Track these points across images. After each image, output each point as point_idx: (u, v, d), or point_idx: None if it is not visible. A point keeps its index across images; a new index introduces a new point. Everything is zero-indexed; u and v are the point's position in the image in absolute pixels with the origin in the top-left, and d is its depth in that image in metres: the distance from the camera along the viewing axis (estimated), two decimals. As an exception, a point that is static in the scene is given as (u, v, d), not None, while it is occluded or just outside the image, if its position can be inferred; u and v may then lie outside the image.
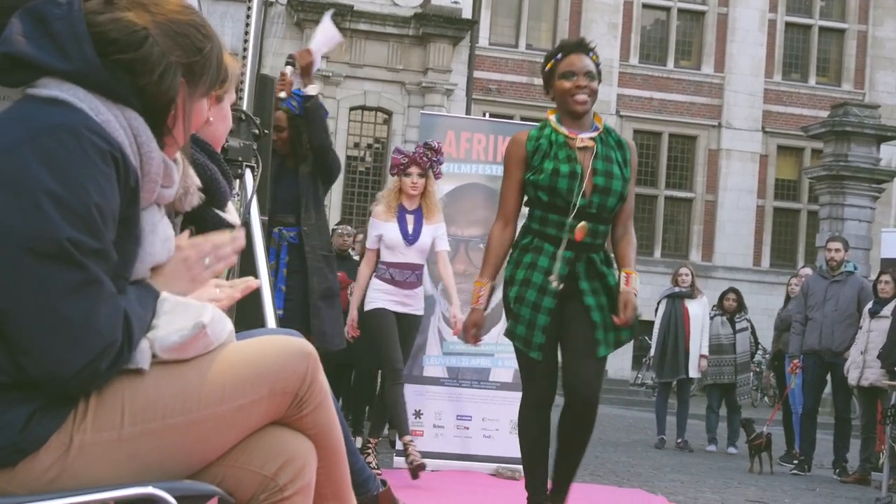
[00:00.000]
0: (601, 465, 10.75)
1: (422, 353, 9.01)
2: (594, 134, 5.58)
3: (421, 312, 8.44)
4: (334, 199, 26.81)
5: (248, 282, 2.67)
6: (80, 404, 2.22)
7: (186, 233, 2.60)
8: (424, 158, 8.31)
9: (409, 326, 8.34)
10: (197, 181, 2.69)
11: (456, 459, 8.70)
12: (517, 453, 8.55)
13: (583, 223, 5.39)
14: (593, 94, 5.67)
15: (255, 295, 4.14)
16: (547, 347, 5.39)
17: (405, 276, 8.24)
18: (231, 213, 2.98)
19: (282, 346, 2.44)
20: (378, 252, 8.35)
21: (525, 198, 5.63)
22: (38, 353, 2.14)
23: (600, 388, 5.57)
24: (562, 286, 5.37)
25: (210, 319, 2.35)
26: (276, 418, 2.41)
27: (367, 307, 8.27)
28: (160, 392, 2.28)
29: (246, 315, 4.46)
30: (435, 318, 9.10)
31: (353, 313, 8.55)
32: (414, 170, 8.31)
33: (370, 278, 8.34)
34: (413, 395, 8.80)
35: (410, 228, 8.28)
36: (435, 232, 8.39)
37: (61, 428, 2.20)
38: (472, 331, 5.57)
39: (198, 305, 2.38)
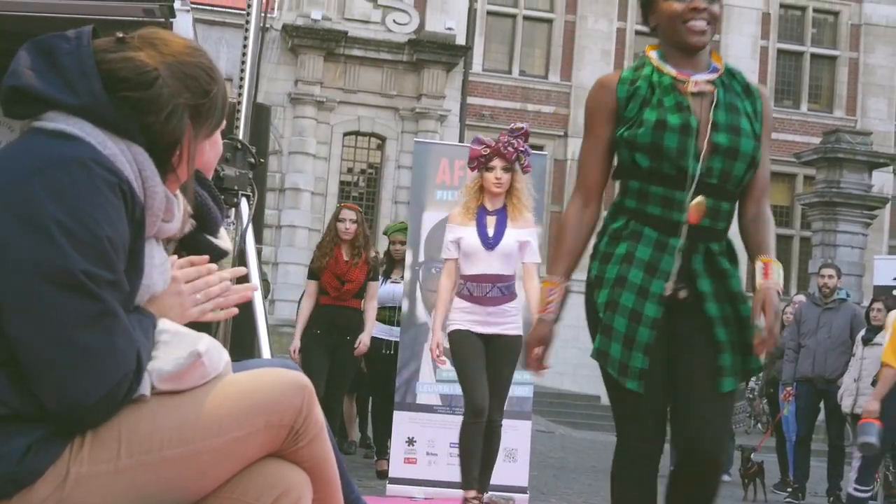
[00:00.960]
0: (595, 493, 10.73)
1: (415, 380, 8.99)
2: (713, 76, 3.92)
3: (516, 332, 7.13)
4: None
5: (245, 292, 2.67)
6: (77, 436, 2.23)
7: (182, 262, 2.60)
8: (510, 148, 7.09)
9: (501, 350, 7.11)
10: (189, 208, 2.70)
11: (449, 487, 8.68)
12: (511, 481, 8.57)
13: (699, 198, 3.82)
14: (714, 20, 3.91)
15: (251, 324, 4.14)
16: (652, 375, 3.80)
17: (485, 291, 7.08)
18: (223, 240, 2.98)
19: (278, 378, 2.44)
20: (457, 262, 7.18)
21: (615, 164, 4.01)
22: (58, 385, 2.15)
23: (727, 440, 3.84)
24: (684, 294, 3.85)
25: (206, 349, 2.35)
26: (271, 450, 2.41)
27: (448, 328, 7.20)
28: (157, 424, 2.28)
29: (241, 344, 4.46)
30: (428, 346, 9.09)
31: (436, 336, 7.33)
32: (497, 163, 7.10)
33: (453, 292, 7.23)
34: (406, 423, 8.79)
35: (491, 231, 7.10)
36: (522, 236, 7.18)
37: (58, 460, 2.20)
38: (537, 350, 4.03)
39: (194, 335, 2.39)
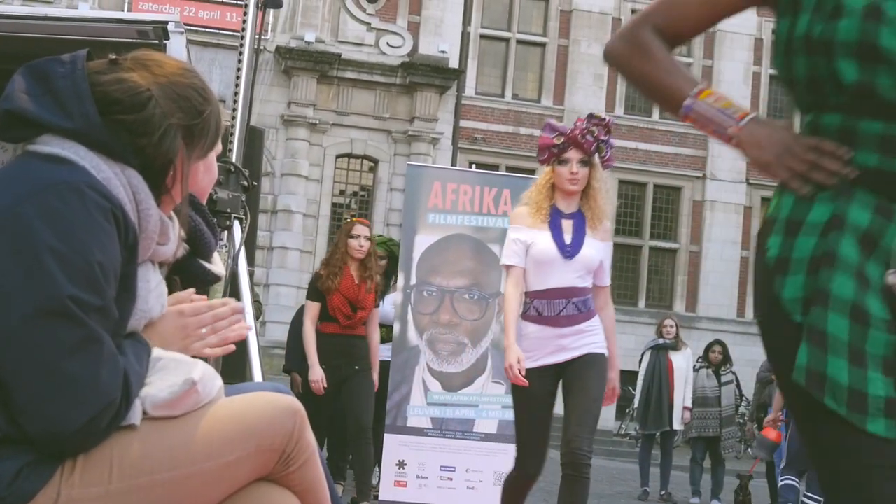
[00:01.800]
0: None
1: (406, 403, 8.99)
2: None
3: (599, 350, 5.82)
4: (319, 246, 26.81)
5: (241, 331, 2.67)
6: (69, 459, 2.22)
7: (189, 294, 2.60)
8: (588, 137, 5.86)
9: (583, 367, 5.76)
10: (182, 232, 2.70)
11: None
12: (501, 505, 8.55)
13: None
14: None
15: (242, 346, 4.14)
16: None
17: (557, 309, 5.79)
18: (217, 265, 2.99)
19: (269, 402, 2.45)
20: (524, 272, 5.90)
21: (793, 81, 2.42)
22: (39, 411, 2.15)
23: None
24: None
25: (200, 376, 2.35)
26: (263, 474, 2.41)
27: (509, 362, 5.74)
28: (149, 448, 2.28)
29: (232, 366, 4.46)
30: (419, 369, 9.08)
31: (513, 351, 5.67)
32: (573, 154, 5.84)
33: (520, 302, 5.94)
34: (397, 446, 8.79)
35: (568, 238, 5.86)
36: (602, 251, 5.96)
37: (49, 483, 2.20)
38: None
39: (189, 362, 2.39)
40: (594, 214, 5.91)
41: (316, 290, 8.42)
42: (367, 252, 8.46)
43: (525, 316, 5.88)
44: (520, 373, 5.56)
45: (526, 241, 5.86)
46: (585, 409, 5.66)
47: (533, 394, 5.71)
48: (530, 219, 5.91)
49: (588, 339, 5.79)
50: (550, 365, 5.77)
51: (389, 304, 9.52)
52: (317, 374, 8.20)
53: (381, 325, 9.28)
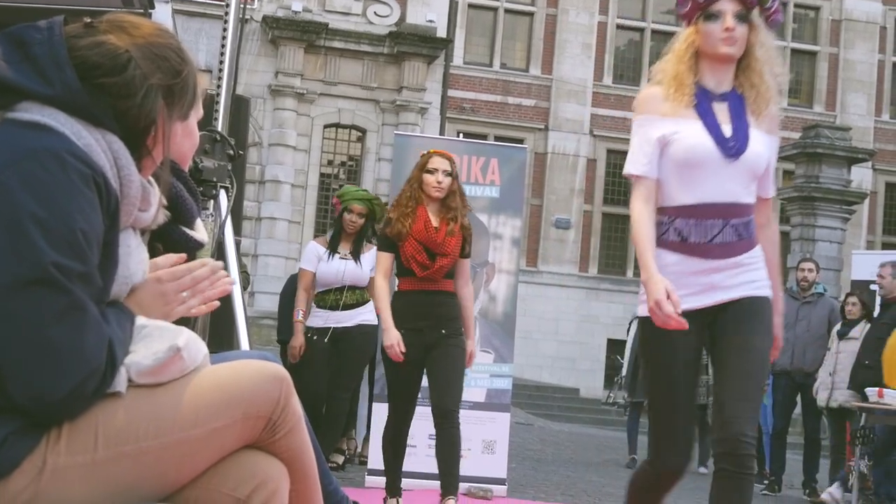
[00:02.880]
0: (573, 484, 10.77)
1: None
2: None
3: (764, 291, 4.23)
4: (307, 216, 26.81)
5: (224, 286, 2.66)
6: (54, 428, 2.23)
7: (169, 259, 2.60)
8: None
9: (740, 320, 4.18)
10: (163, 199, 2.69)
11: (428, 479, 8.68)
12: (489, 473, 8.58)
13: None
14: None
15: (230, 316, 4.15)
16: None
17: (710, 233, 4.14)
18: (199, 231, 2.98)
19: (255, 370, 2.45)
20: (658, 182, 4.19)
21: None
22: (24, 379, 2.15)
23: None
24: None
25: (185, 343, 2.36)
26: (249, 442, 2.42)
27: (640, 306, 4.19)
28: (134, 416, 2.29)
29: (220, 337, 4.46)
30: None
31: (657, 286, 3.95)
32: (727, 6, 4.21)
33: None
34: (385, 415, 8.79)
35: (728, 129, 4.19)
36: (770, 146, 4.30)
37: (35, 451, 2.20)
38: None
39: (173, 329, 2.39)
40: (759, 94, 4.25)
41: (386, 239, 6.90)
42: (449, 190, 6.93)
43: (662, 242, 4.19)
44: (675, 311, 3.90)
45: (664, 135, 4.19)
46: (746, 374, 4.11)
47: (675, 350, 4.16)
48: (668, 103, 4.22)
49: (749, 275, 4.23)
50: (696, 310, 4.12)
51: (368, 266, 8.95)
52: (392, 337, 6.64)
53: (357, 288, 9.11)
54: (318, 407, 8.93)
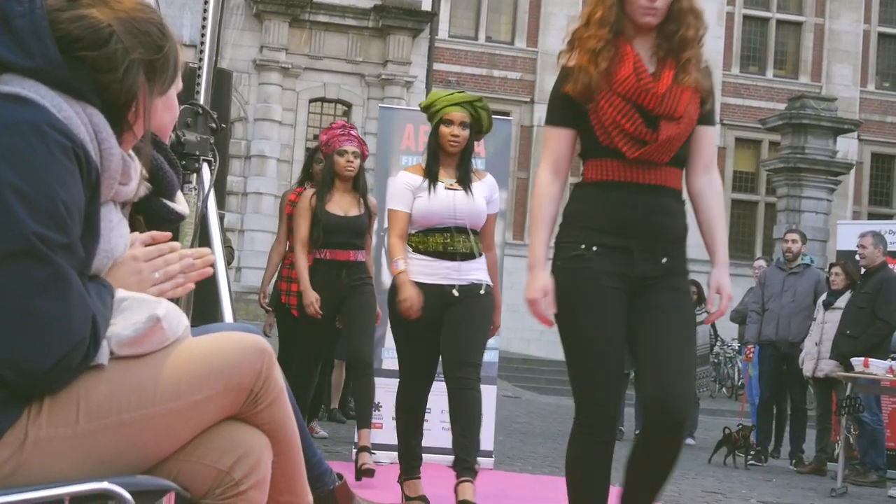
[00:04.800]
0: (560, 457, 10.76)
1: (380, 346, 8.99)
2: None
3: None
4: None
5: (204, 269, 2.65)
6: (35, 400, 2.23)
7: (144, 237, 2.59)
8: None
9: None
10: (143, 171, 2.69)
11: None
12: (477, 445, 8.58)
13: None
14: None
15: (214, 290, 4.14)
16: None
17: None
18: (181, 203, 2.97)
19: (237, 342, 2.45)
20: None
21: None
22: (9, 351, 2.14)
23: None
24: None
25: (165, 313, 2.35)
26: (231, 414, 2.42)
27: None
28: (115, 388, 2.29)
29: (203, 309, 4.46)
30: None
31: None
32: None
33: None
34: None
35: None
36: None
37: (16, 424, 2.20)
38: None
39: (152, 300, 2.39)
40: None
41: (563, 102, 4.16)
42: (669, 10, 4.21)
43: None
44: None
45: None
46: None
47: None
48: None
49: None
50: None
51: (482, 199, 6.63)
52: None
53: (472, 232, 6.53)
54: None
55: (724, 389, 25.24)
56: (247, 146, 26.93)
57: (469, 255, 6.28)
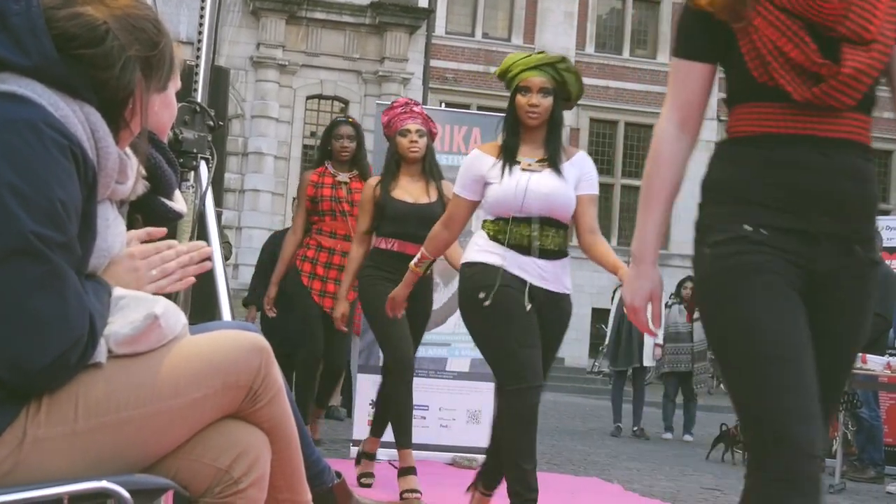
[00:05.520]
0: (558, 453, 10.80)
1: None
2: None
3: None
4: (291, 188, 26.74)
5: (202, 264, 2.65)
6: (34, 399, 2.22)
7: (140, 234, 2.59)
8: None
9: None
10: (142, 169, 2.69)
11: (413, 449, 8.71)
12: (473, 442, 8.60)
13: None
14: None
15: (212, 288, 4.14)
16: None
17: None
18: (179, 202, 2.97)
19: (235, 340, 2.45)
20: None
21: None
22: (6, 350, 2.14)
23: None
24: None
25: (163, 311, 2.35)
26: (230, 412, 2.42)
27: None
28: (114, 386, 2.28)
29: (201, 307, 4.46)
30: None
31: None
32: None
33: None
34: (370, 385, 8.79)
35: None
36: None
37: (15, 422, 2.20)
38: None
39: (150, 298, 2.39)
40: None
41: (700, 24, 3.16)
42: None
43: None
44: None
45: None
46: None
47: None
48: None
49: None
50: None
51: (573, 182, 5.23)
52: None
53: (558, 225, 5.56)
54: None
55: (721, 386, 25.25)
56: (244, 143, 26.92)
57: (549, 254, 5.21)
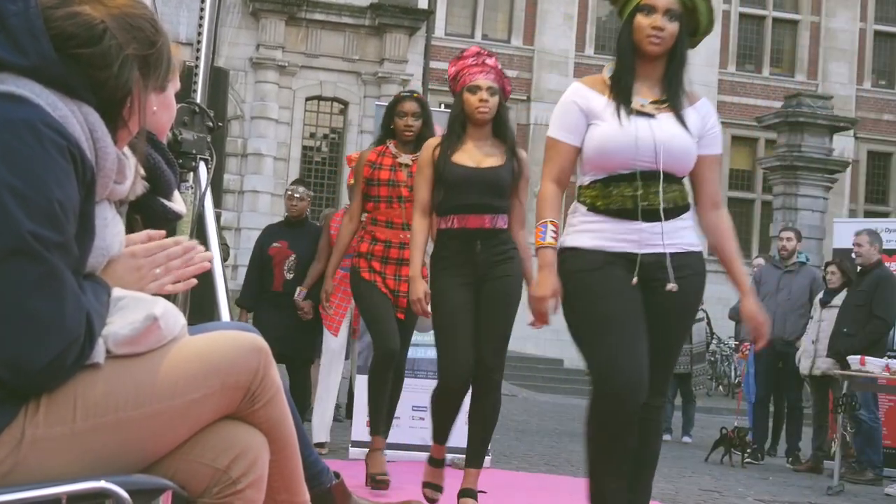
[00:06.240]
0: (556, 455, 10.81)
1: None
2: None
3: None
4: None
5: (202, 263, 2.65)
6: (32, 399, 2.22)
7: (141, 236, 2.59)
8: None
9: None
10: (141, 170, 2.69)
11: (412, 450, 8.70)
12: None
13: None
14: None
15: (210, 290, 4.14)
16: None
17: None
18: (178, 202, 2.98)
19: (234, 340, 2.45)
20: None
21: None
22: (4, 350, 2.14)
23: None
24: None
25: (162, 312, 2.35)
26: (228, 412, 2.42)
27: None
28: (113, 386, 2.28)
29: (200, 308, 4.46)
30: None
31: None
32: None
33: None
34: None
35: None
36: None
37: (13, 422, 2.20)
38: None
39: (150, 299, 2.39)
40: None
41: None
42: None
43: None
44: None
45: None
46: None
47: None
48: None
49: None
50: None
51: (696, 129, 4.98)
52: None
53: (674, 179, 4.75)
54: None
55: (720, 388, 25.24)
56: (243, 144, 26.91)
57: (671, 212, 4.28)
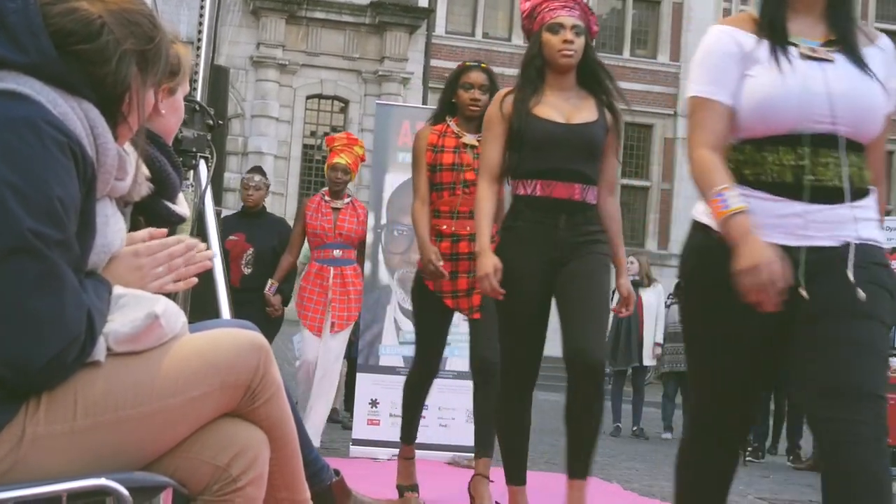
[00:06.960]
0: (557, 453, 10.78)
1: (378, 343, 8.99)
2: None
3: None
4: (291, 188, 26.75)
5: (204, 261, 2.65)
6: (33, 397, 2.22)
7: (143, 234, 2.59)
8: None
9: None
10: (146, 171, 2.69)
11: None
12: (473, 442, 8.61)
13: None
14: None
15: (211, 287, 4.15)
16: None
17: None
18: (181, 205, 2.98)
19: (234, 338, 2.45)
20: None
21: None
22: (4, 348, 2.14)
23: None
24: None
25: (163, 310, 2.35)
26: (228, 410, 2.42)
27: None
28: (113, 384, 2.28)
29: (200, 306, 4.46)
30: (391, 308, 9.08)
31: None
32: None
33: None
34: (369, 385, 8.81)
35: None
36: None
37: (13, 420, 2.20)
38: None
39: (151, 297, 2.40)
40: None
41: None
42: None
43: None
44: None
45: None
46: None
47: None
48: None
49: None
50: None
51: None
52: None
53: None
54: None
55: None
56: (244, 143, 26.91)
57: (853, 193, 3.16)
